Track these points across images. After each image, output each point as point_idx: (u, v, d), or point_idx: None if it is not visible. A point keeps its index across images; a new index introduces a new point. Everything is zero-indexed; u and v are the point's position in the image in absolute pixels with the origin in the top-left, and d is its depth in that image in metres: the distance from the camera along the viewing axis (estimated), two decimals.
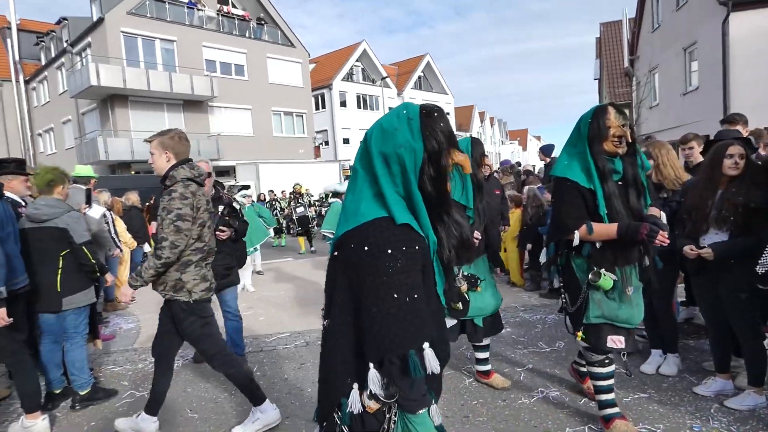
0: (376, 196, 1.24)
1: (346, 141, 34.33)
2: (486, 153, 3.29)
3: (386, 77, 33.18)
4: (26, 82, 26.82)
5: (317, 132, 30.88)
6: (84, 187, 4.85)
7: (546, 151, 7.45)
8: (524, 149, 70.90)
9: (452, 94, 43.67)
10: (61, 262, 3.31)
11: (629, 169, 2.53)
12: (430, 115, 1.26)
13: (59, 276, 3.29)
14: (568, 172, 2.58)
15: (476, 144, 3.30)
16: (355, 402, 1.20)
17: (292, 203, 11.88)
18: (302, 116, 28.13)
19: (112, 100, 20.73)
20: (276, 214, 13.45)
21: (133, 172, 19.95)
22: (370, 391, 1.17)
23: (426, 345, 1.15)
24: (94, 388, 3.50)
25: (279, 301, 6.53)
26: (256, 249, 7.36)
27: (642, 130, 17.01)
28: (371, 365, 1.15)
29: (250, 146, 24.40)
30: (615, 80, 22.73)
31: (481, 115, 57.92)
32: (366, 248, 1.16)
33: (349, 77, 34.91)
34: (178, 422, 3.17)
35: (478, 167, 3.22)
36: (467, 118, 51.76)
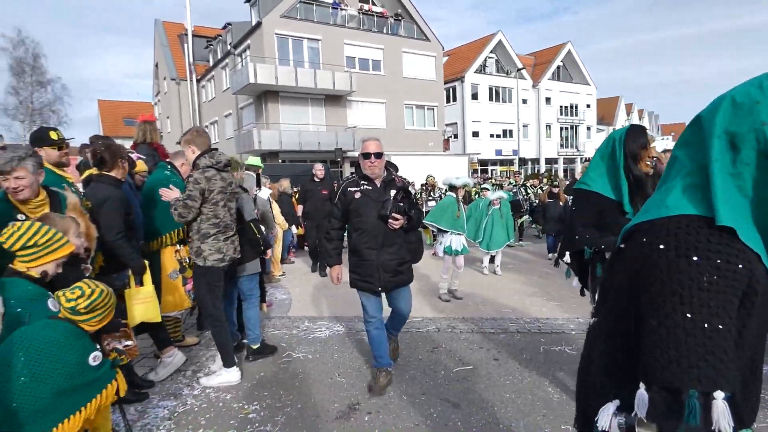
0: (692, 187, 0.99)
1: (475, 134, 33.97)
2: (651, 144, 2.67)
3: (522, 68, 31.96)
4: (197, 81, 31.18)
5: (447, 125, 31.02)
6: (254, 174, 5.64)
7: None
8: None
9: (595, 84, 40.51)
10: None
11: None
12: None
13: None
14: None
15: (635, 133, 2.71)
16: (606, 419, 1.01)
17: (424, 195, 12.16)
18: (433, 109, 28.49)
19: (265, 95, 23.15)
20: None
21: (280, 161, 22.13)
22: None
23: (720, 395, 0.85)
24: (263, 344, 4.13)
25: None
26: None
27: None
28: (642, 385, 0.92)
29: (382, 138, 25.19)
30: None
31: (628, 107, 52.90)
32: (662, 246, 0.94)
33: (482, 69, 34.35)
34: (329, 384, 3.60)
35: (636, 161, 2.65)
36: (611, 111, 47.64)
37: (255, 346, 4.07)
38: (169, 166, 3.89)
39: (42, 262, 2.00)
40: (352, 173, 3.65)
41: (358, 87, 24.31)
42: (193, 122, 21.47)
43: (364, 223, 3.38)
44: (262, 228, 4.43)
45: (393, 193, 3.40)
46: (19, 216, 2.41)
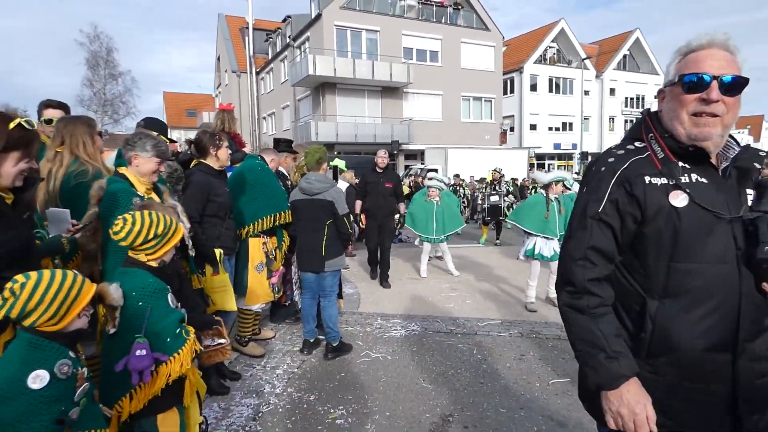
0: None
1: (533, 127, 32.72)
2: None
3: (587, 58, 30.45)
4: (257, 74, 31.83)
5: (504, 117, 30.07)
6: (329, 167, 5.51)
7: None
8: (756, 139, 58.35)
9: (664, 74, 37.94)
10: (326, 230, 3.79)
11: None
12: None
13: (324, 242, 3.77)
14: None
15: None
16: None
17: (488, 189, 11.69)
18: (491, 101, 27.72)
19: (323, 87, 23.26)
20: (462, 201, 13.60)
21: (336, 153, 22.20)
22: None
23: None
24: (341, 342, 3.98)
25: (481, 288, 6.53)
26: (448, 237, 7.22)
27: None
28: None
29: (438, 131, 25.03)
30: None
31: None
32: None
33: (542, 59, 32.99)
34: (415, 390, 3.38)
35: None
36: None
37: (335, 344, 3.91)
38: (259, 157, 3.80)
39: (163, 251, 1.88)
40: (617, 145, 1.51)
41: (415, 78, 23.93)
42: (252, 114, 21.90)
43: (700, 274, 1.26)
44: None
45: (750, 195, 1.30)
46: (139, 194, 2.36)
